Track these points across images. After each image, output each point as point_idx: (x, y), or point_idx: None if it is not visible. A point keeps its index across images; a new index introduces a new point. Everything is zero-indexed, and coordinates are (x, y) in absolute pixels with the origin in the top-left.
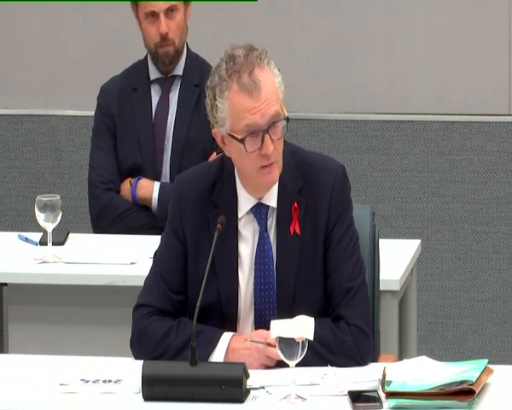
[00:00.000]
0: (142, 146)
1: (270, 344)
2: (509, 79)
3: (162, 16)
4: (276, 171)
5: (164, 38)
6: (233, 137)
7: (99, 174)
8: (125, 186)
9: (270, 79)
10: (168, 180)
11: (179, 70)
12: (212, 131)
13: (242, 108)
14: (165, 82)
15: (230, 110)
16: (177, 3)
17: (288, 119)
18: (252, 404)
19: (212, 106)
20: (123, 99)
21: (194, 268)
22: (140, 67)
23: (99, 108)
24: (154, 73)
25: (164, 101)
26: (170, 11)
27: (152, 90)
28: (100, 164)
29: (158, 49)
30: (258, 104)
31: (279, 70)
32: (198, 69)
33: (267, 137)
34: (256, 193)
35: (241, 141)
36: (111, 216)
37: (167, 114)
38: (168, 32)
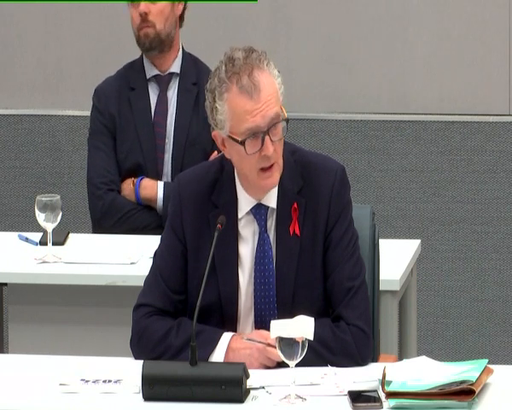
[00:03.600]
0: (143, 145)
1: (269, 344)
2: (509, 79)
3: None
4: (277, 173)
5: (143, 19)
6: (233, 139)
7: (100, 175)
8: (128, 186)
9: (269, 81)
10: (170, 179)
11: (176, 68)
12: (212, 133)
13: (243, 111)
14: (163, 79)
15: (230, 112)
16: None
17: (287, 120)
18: (252, 404)
19: (212, 108)
20: (121, 99)
21: (194, 268)
22: (135, 67)
23: (96, 110)
24: (150, 71)
25: (162, 99)
26: None
27: (149, 89)
28: (100, 165)
29: (140, 32)
30: (258, 106)
31: (279, 71)
32: (194, 68)
33: (267, 138)
34: (256, 195)
35: (242, 143)
36: (115, 217)
37: (167, 113)
38: (148, 13)
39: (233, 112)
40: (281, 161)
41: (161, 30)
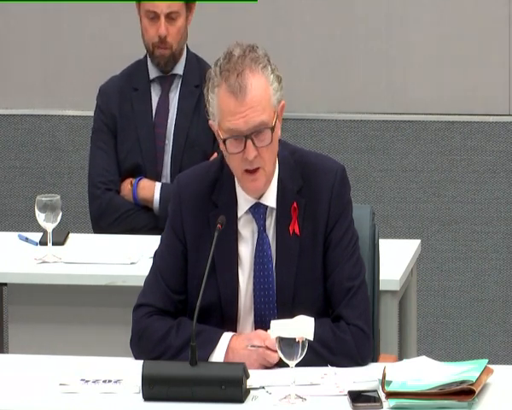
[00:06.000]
0: (143, 146)
1: (268, 348)
2: (509, 80)
3: (163, 18)
4: (262, 178)
5: (162, 41)
6: (218, 135)
7: (99, 174)
8: (126, 187)
9: (260, 85)
10: (169, 181)
11: (179, 69)
12: (209, 121)
13: (227, 111)
14: (165, 81)
15: (218, 108)
16: (179, 9)
17: (273, 128)
18: (252, 404)
19: (207, 98)
20: (123, 99)
21: (194, 268)
22: (140, 67)
23: (99, 109)
24: (153, 72)
25: (164, 100)
26: (171, 15)
27: (152, 90)
28: (100, 164)
29: (155, 50)
30: (242, 109)
31: (279, 76)
32: (198, 70)
33: (249, 142)
34: (247, 194)
35: (223, 142)
36: (112, 217)
37: (167, 114)
38: (167, 35)
39: (220, 108)
40: (269, 167)
41: (176, 49)
